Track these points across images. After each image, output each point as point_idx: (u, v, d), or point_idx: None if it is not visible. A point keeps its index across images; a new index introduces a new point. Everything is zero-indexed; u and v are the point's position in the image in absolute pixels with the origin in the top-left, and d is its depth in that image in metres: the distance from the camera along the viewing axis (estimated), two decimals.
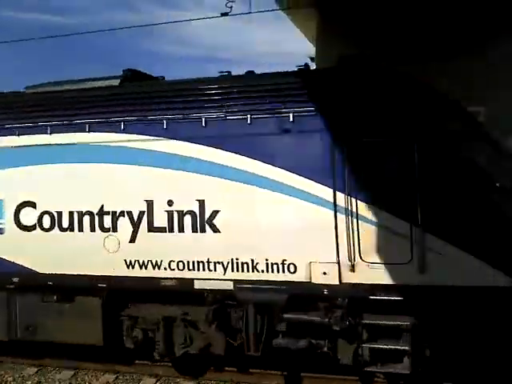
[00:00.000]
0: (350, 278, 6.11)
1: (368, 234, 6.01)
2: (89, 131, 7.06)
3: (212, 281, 6.61)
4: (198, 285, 6.68)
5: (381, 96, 6.10)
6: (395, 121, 6.00)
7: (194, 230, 6.63)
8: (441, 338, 6.01)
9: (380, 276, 5.99)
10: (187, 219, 6.65)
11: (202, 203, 6.60)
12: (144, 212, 6.81)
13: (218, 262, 6.56)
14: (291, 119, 6.29)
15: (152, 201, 6.79)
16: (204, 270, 6.62)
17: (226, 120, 6.56)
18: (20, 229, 7.34)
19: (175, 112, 6.75)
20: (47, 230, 7.21)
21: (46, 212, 7.21)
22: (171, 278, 6.76)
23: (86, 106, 7.17)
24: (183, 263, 6.69)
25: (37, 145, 7.34)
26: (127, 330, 7.22)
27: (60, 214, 7.14)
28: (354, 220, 6.04)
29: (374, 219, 6.00)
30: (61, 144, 7.22)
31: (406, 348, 5.98)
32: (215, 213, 6.54)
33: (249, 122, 6.45)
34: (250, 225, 6.41)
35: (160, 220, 6.76)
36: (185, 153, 6.68)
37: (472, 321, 5.83)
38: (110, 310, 7.23)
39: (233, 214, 6.49)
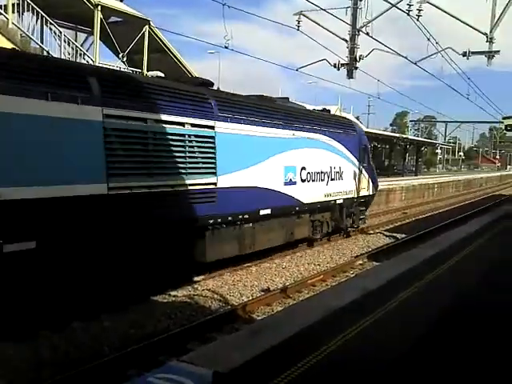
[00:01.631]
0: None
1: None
2: (314, 133, 14.67)
3: (339, 200, 16.18)
4: (337, 202, 16.02)
5: None
6: None
7: (339, 179, 15.95)
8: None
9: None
10: (337, 174, 15.85)
11: (340, 168, 16.01)
12: (329, 172, 15.34)
13: (341, 192, 16.22)
14: None
15: (331, 166, 15.44)
16: (339, 195, 16.08)
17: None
18: (301, 181, 13.76)
19: (330, 129, 15.71)
20: (308, 181, 14.14)
21: (308, 172, 14.12)
22: (332, 200, 15.72)
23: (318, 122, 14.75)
24: (335, 193, 15.82)
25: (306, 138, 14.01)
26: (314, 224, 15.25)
27: (311, 172, 14.30)
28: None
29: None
30: (310, 138, 14.28)
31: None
32: (342, 171, 16.15)
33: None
34: (349, 175, 16.57)
35: (333, 175, 15.57)
36: (335, 145, 15.80)
37: None
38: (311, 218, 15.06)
39: (345, 171, 16.35)
